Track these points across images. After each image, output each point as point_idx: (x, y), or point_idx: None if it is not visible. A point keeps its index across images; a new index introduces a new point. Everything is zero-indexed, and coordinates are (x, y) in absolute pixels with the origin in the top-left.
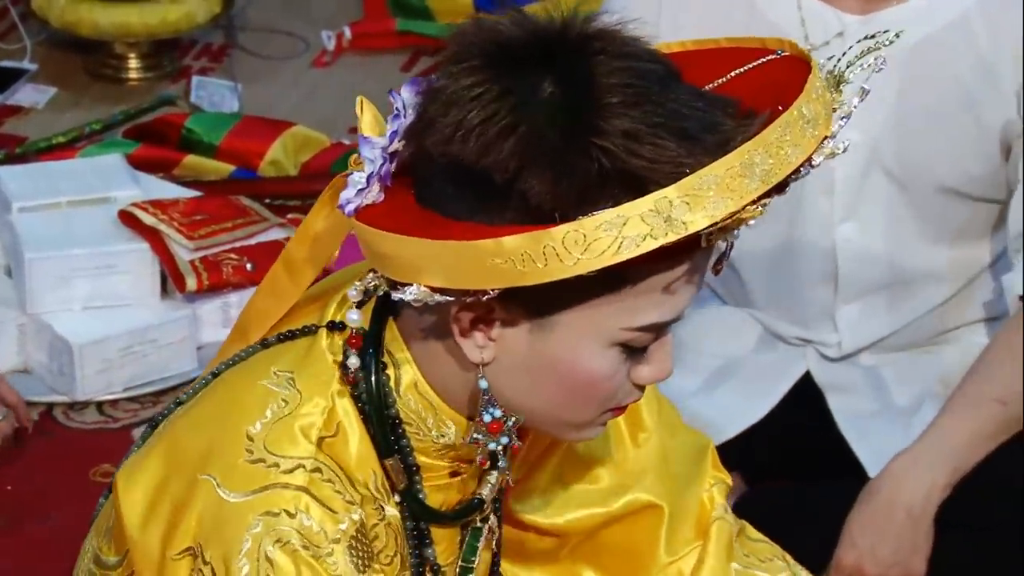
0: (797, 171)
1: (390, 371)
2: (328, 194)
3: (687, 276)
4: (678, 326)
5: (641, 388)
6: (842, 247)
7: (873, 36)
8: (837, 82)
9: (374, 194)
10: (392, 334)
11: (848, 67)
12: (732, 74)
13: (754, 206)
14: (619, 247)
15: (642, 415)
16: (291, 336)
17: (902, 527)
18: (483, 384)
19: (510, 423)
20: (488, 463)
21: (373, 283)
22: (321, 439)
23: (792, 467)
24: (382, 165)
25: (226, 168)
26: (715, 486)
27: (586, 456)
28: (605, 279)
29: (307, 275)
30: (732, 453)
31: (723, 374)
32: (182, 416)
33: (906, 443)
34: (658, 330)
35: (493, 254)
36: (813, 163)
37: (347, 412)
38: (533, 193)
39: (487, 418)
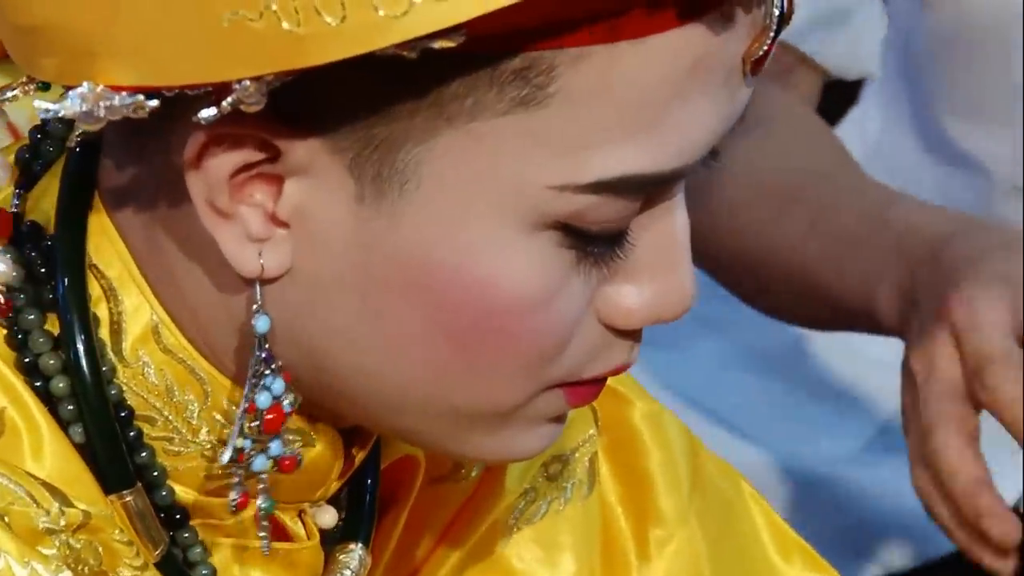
0: None
1: (100, 307)
2: None
3: (699, 61)
4: None
5: (630, 338)
6: None
7: None
8: None
9: None
10: (101, 235)
11: None
12: None
13: None
14: None
15: (655, 491)
16: None
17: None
18: (260, 325)
19: (287, 406)
20: (245, 502)
21: (14, 94)
22: None
23: None
24: None
25: None
26: None
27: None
28: (497, 62)
29: None
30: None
31: None
32: None
33: None
34: (647, 191)
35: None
36: None
37: (17, 398)
38: None
39: (262, 400)
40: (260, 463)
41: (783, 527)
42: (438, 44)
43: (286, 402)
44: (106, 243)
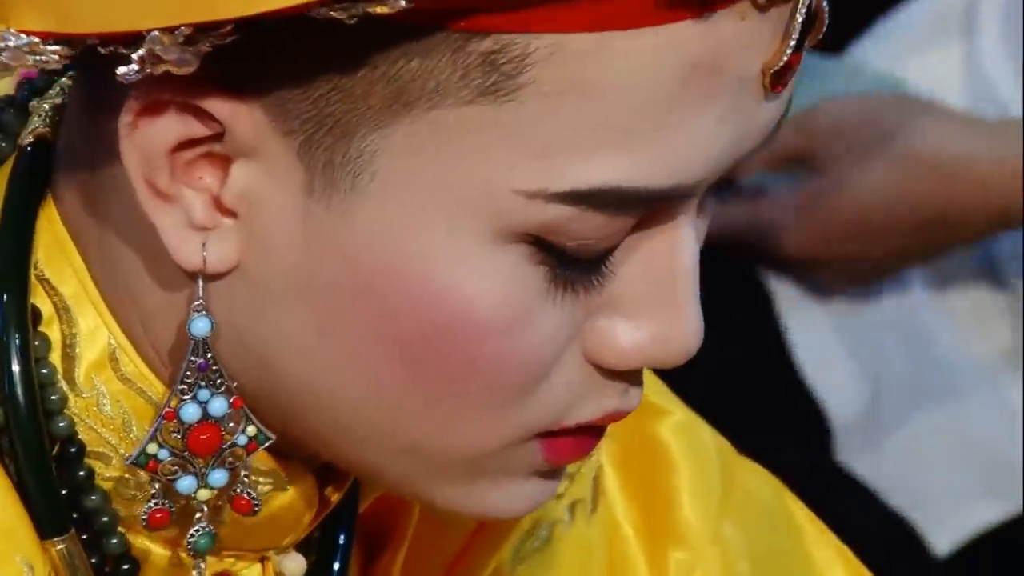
0: None
1: (52, 327)
2: None
3: (701, 64)
4: None
5: (623, 380)
6: None
7: None
8: None
9: None
10: (55, 246)
11: None
12: None
13: None
14: None
15: (678, 510)
16: None
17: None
18: (197, 327)
19: (241, 437)
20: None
21: None
22: None
23: None
24: None
25: None
26: None
27: None
28: (462, 41)
29: None
30: None
31: None
32: None
33: None
34: (638, 209)
35: None
36: None
37: None
38: None
39: (187, 412)
40: (186, 485)
41: (828, 536)
42: (376, 9)
43: (242, 436)
44: (59, 255)
